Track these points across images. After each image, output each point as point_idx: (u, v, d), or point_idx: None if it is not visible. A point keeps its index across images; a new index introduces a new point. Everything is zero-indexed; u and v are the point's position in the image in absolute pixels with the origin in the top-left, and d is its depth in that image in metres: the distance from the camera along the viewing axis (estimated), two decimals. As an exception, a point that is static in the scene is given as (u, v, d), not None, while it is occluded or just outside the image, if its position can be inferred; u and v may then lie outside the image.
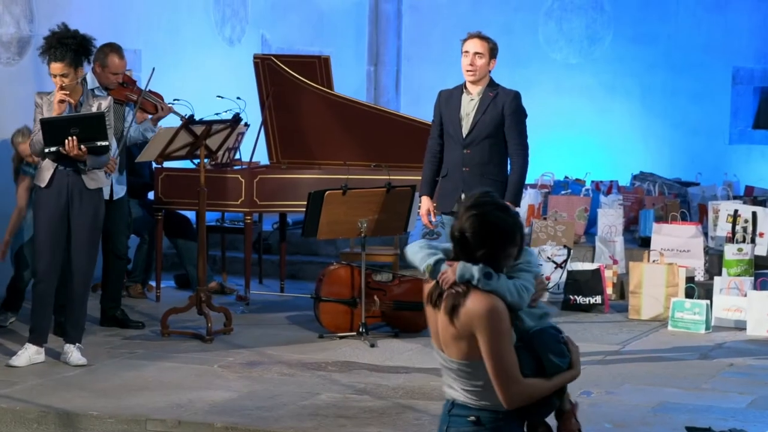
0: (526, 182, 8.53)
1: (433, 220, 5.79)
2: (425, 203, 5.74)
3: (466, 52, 5.63)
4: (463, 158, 5.64)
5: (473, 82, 5.66)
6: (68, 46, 5.57)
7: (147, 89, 6.77)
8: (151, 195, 7.78)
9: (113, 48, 6.50)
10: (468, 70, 5.62)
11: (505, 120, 5.61)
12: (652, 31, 10.64)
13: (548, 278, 7.71)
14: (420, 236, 8.35)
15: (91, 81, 6.53)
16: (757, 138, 10.50)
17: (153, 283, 7.68)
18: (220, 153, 7.05)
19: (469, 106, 5.66)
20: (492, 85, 5.69)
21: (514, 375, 2.89)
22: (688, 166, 10.32)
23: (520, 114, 5.66)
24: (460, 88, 5.73)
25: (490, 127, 5.62)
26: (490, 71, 5.68)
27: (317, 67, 8.11)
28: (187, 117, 6.40)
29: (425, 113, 7.78)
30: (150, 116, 6.87)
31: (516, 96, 5.66)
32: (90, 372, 5.65)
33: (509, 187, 5.61)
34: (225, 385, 5.42)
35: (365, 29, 11.17)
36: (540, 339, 3.01)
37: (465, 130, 5.64)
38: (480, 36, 5.66)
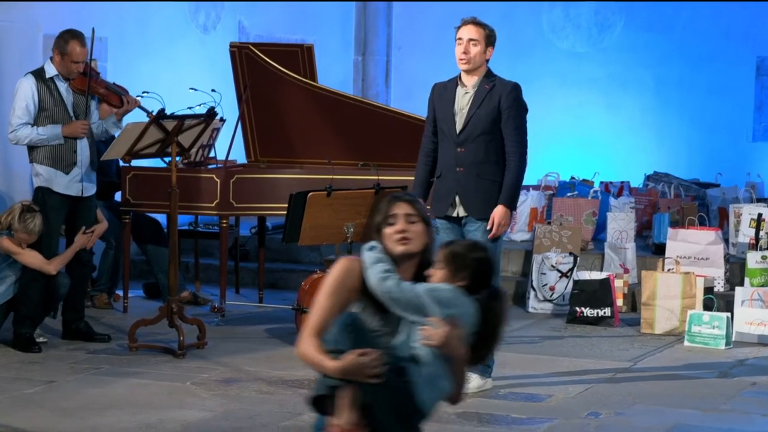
0: (529, 183, 8.66)
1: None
2: None
3: (460, 39, 5.68)
4: (457, 157, 5.69)
5: (467, 72, 5.69)
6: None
7: (100, 76, 6.80)
8: (118, 196, 7.84)
9: (74, 35, 6.57)
10: (461, 59, 5.66)
11: (502, 114, 5.64)
12: (667, 18, 10.71)
13: (553, 288, 7.79)
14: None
15: (50, 70, 6.60)
16: (782, 135, 10.59)
17: (120, 293, 7.73)
18: (194, 150, 7.11)
19: (463, 100, 5.70)
20: (489, 76, 5.71)
21: (312, 328, 3.45)
22: (706, 165, 10.37)
23: (519, 108, 5.67)
24: (455, 81, 5.76)
25: (486, 123, 5.64)
26: (487, 61, 5.71)
27: (300, 56, 8.17)
28: (157, 111, 6.46)
29: (417, 107, 7.85)
30: (115, 110, 6.91)
31: (514, 88, 5.69)
32: (51, 389, 5.70)
33: (503, 189, 5.63)
34: (199, 404, 5.47)
35: (352, 16, 11.23)
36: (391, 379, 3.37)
37: (459, 127, 5.67)
38: (475, 22, 5.70)
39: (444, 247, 3.58)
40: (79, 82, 6.65)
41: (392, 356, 3.40)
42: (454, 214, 5.72)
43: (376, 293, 3.48)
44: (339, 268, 3.55)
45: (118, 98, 6.82)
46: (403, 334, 3.47)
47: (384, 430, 3.39)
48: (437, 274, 3.54)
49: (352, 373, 3.36)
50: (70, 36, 6.56)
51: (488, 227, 5.61)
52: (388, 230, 3.55)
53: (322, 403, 3.48)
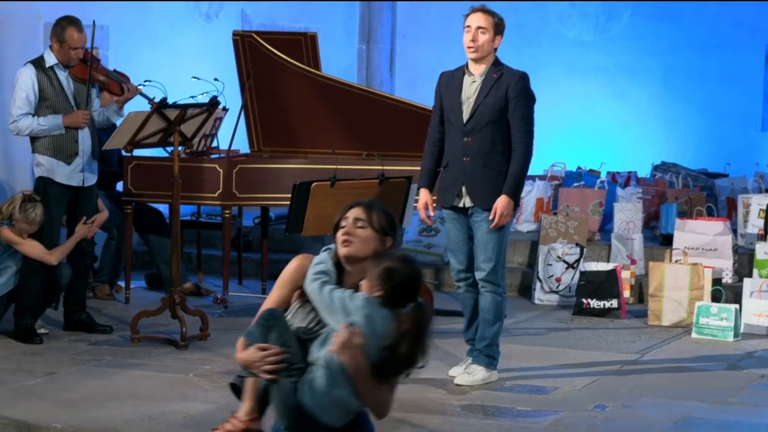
0: (535, 173, 8.65)
1: (431, 214, 5.84)
2: (423, 196, 5.78)
3: (468, 27, 5.66)
4: (464, 147, 5.67)
5: (475, 61, 5.68)
6: None
7: (100, 63, 6.79)
8: (119, 186, 7.84)
9: (71, 21, 6.56)
10: (469, 47, 5.65)
11: (509, 103, 5.63)
12: (675, 6, 10.68)
13: (559, 279, 7.78)
14: (416, 233, 8.42)
15: (50, 59, 6.59)
16: (792, 124, 10.57)
17: (122, 284, 7.73)
18: (196, 140, 7.10)
19: (470, 89, 5.68)
20: (496, 65, 5.70)
21: (256, 319, 3.69)
22: (715, 155, 10.36)
23: (526, 98, 5.66)
24: (462, 70, 5.75)
25: (493, 112, 5.63)
26: (495, 49, 5.70)
27: (303, 45, 8.16)
28: (159, 100, 6.45)
29: (422, 96, 7.85)
30: (116, 98, 6.90)
31: (522, 77, 5.68)
32: (53, 381, 5.70)
33: (507, 179, 5.61)
34: (201, 396, 5.47)
35: (356, 4, 11.21)
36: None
37: (465, 116, 5.66)
38: (484, 10, 5.68)
39: (373, 258, 3.59)
40: (79, 71, 6.64)
41: (293, 355, 3.50)
42: (461, 205, 5.70)
43: (306, 292, 3.63)
44: (292, 263, 3.76)
45: (118, 86, 6.81)
46: (323, 336, 3.59)
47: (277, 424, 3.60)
48: (364, 284, 3.62)
49: (248, 366, 3.56)
50: (67, 23, 6.54)
51: (490, 217, 5.60)
52: (338, 232, 3.71)
53: (238, 390, 3.73)
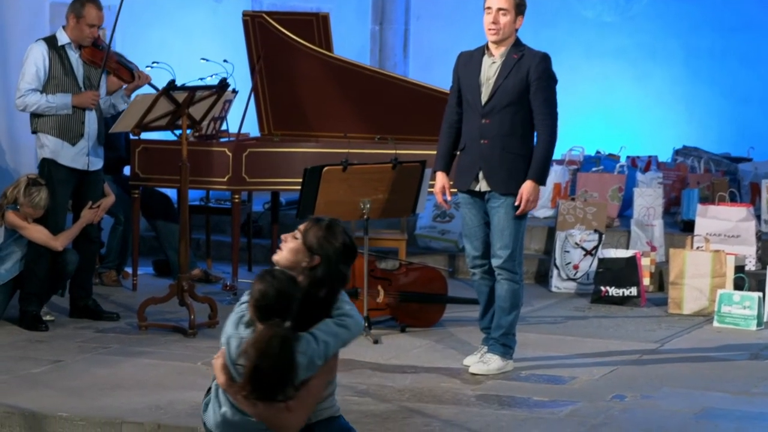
0: (552, 158, 8.60)
1: (448, 198, 5.82)
2: (440, 179, 5.76)
3: (489, 8, 5.64)
4: (482, 129, 5.65)
5: (496, 43, 5.66)
6: None
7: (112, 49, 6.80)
8: (126, 170, 7.85)
9: None
10: (490, 29, 5.62)
11: (531, 85, 5.61)
12: (698, -15, 10.65)
13: (576, 266, 7.77)
14: (430, 218, 8.41)
15: (62, 38, 6.60)
16: (819, 107, 10.52)
17: (129, 270, 7.75)
18: (205, 123, 7.11)
19: (490, 70, 5.66)
20: (517, 46, 5.68)
21: None
22: (738, 139, 10.33)
23: (549, 79, 5.65)
24: (482, 50, 5.73)
25: (513, 94, 5.61)
26: (516, 30, 5.69)
27: (315, 25, 8.15)
28: (167, 82, 6.45)
29: (436, 78, 7.83)
30: (125, 85, 6.90)
31: (544, 58, 5.66)
32: (59, 369, 5.73)
33: (533, 163, 5.61)
34: (209, 384, 5.48)
35: (369, -17, 11.18)
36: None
37: (484, 97, 5.64)
38: (504, -11, 5.66)
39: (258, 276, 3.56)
40: (90, 53, 6.64)
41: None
42: (478, 189, 5.69)
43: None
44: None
45: (129, 73, 6.81)
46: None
47: None
48: None
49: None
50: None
51: (516, 203, 5.59)
52: None
53: None
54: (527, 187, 5.57)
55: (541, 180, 5.63)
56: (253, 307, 3.50)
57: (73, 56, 6.62)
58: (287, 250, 3.57)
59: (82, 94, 6.57)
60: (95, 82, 6.65)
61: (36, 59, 6.54)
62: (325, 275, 3.52)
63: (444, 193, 5.75)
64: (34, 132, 6.66)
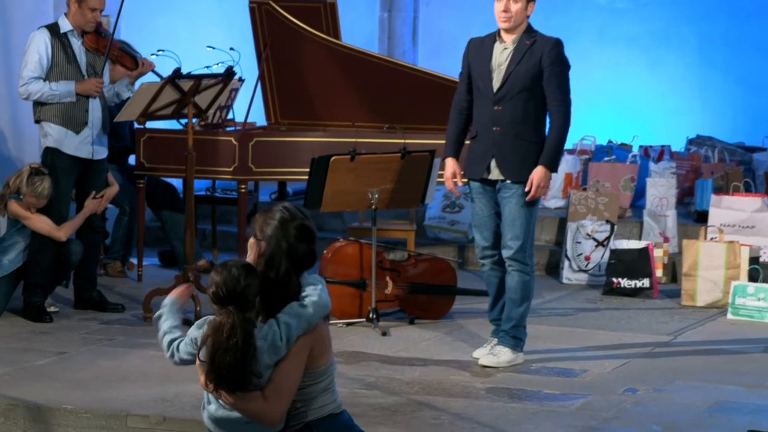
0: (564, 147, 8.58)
1: (459, 185, 5.80)
2: (450, 165, 5.74)
3: (500, -5, 5.64)
4: (494, 116, 5.65)
5: (508, 30, 5.66)
6: None
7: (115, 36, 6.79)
8: (131, 160, 7.85)
9: None
10: (501, 18, 5.62)
11: (544, 71, 5.60)
12: (712, -30, 10.61)
13: (588, 258, 7.76)
14: (440, 209, 8.40)
15: (64, 25, 6.59)
16: (836, 95, 10.48)
17: (134, 261, 7.76)
18: (211, 112, 7.10)
19: (501, 56, 5.66)
20: (529, 32, 5.68)
21: None
22: (753, 128, 10.29)
23: (562, 65, 5.64)
24: (493, 36, 5.72)
25: (526, 80, 5.61)
26: (527, 17, 5.67)
27: (322, 13, 8.13)
28: (173, 71, 6.44)
29: (446, 67, 7.81)
30: (129, 73, 6.88)
31: (557, 44, 5.65)
32: (63, 360, 5.74)
33: (545, 149, 5.59)
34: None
35: (378, -32, 11.16)
36: None
37: (496, 84, 5.64)
38: (516, -24, 5.65)
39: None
40: (92, 40, 6.64)
41: None
42: (490, 177, 5.68)
43: None
44: None
45: (132, 60, 6.80)
46: None
47: None
48: None
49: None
50: None
51: (526, 189, 5.58)
52: None
53: None
54: (538, 172, 5.57)
55: (552, 166, 5.63)
56: (211, 299, 3.52)
57: (76, 43, 6.62)
58: (249, 250, 3.59)
59: (85, 81, 6.58)
60: (98, 70, 6.65)
61: (38, 47, 6.53)
62: (271, 254, 3.51)
63: (455, 179, 5.73)
64: (37, 121, 6.66)
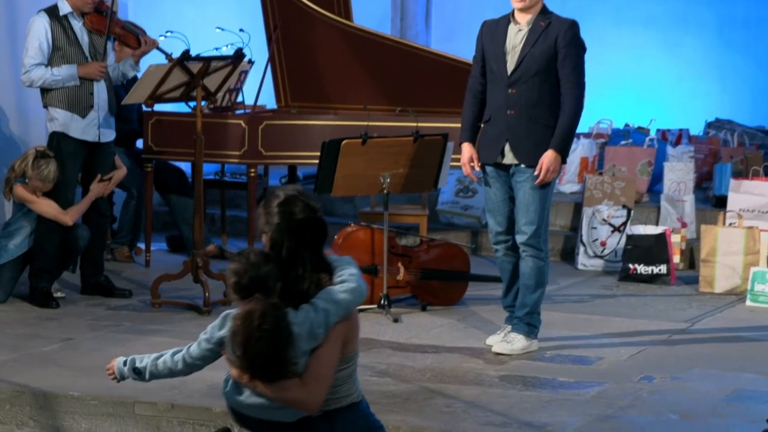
0: (580, 131, 8.57)
1: (477, 169, 5.78)
2: (467, 150, 5.72)
3: (514, -24, 5.61)
4: (508, 99, 5.62)
5: (522, 11, 5.63)
6: None
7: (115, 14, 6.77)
8: (139, 143, 7.85)
9: None
10: (516, -2, 5.61)
11: (558, 53, 5.58)
12: (732, -49, 10.57)
13: (604, 243, 7.73)
14: (453, 194, 8.39)
15: (64, 7, 6.58)
16: None
17: (142, 246, 7.77)
18: (220, 95, 7.09)
19: (516, 38, 5.64)
20: (544, 13, 5.65)
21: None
22: (773, 111, 10.29)
23: (577, 47, 5.62)
24: (507, 18, 5.70)
25: (541, 62, 5.58)
26: (542, -2, 5.66)
27: (334, -7, 8.12)
28: (181, 52, 6.43)
29: (459, 49, 7.79)
30: (132, 52, 6.86)
31: (572, 25, 5.63)
32: (69, 347, 5.75)
33: (556, 133, 5.57)
34: (224, 364, 5.45)
35: (390, -52, 11.13)
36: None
37: (511, 66, 5.62)
38: (530, -44, 5.62)
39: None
40: (94, 21, 6.62)
41: None
42: (504, 161, 5.66)
43: None
44: None
45: (135, 39, 6.78)
46: None
47: None
48: None
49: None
50: None
51: (536, 173, 5.56)
52: None
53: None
54: (548, 156, 5.54)
55: (563, 150, 5.60)
56: (232, 290, 3.52)
57: (77, 25, 6.60)
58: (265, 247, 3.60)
59: (87, 65, 6.57)
60: (101, 50, 6.64)
61: (38, 33, 6.53)
62: (272, 236, 3.52)
63: (472, 164, 5.71)
64: (45, 107, 6.66)
